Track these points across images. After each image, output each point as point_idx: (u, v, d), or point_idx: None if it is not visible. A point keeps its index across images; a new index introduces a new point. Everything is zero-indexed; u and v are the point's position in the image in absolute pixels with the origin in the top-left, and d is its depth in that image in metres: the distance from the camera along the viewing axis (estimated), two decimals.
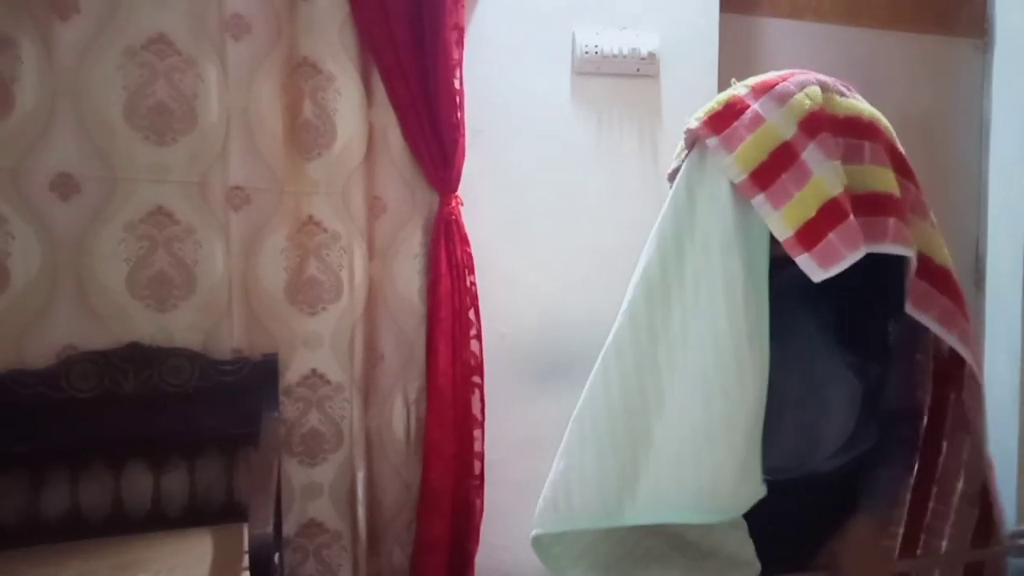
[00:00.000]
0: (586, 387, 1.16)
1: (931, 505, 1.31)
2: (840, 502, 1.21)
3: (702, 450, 1.04)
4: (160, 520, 1.81)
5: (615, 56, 2.15)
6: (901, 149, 1.13)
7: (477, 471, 2.06)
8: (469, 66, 1.99)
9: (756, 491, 1.05)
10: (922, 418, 1.29)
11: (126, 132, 1.77)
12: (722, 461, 1.04)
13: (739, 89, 1.09)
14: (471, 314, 2.04)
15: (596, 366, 1.15)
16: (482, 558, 2.09)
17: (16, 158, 1.70)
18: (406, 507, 2.06)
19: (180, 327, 1.84)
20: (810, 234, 1.00)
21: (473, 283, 2.04)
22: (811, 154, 1.01)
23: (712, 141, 1.07)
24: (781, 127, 1.03)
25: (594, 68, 2.16)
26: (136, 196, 1.79)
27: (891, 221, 1.03)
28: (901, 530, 1.33)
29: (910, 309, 1.08)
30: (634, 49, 2.16)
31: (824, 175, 1.00)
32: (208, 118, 1.83)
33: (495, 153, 2.10)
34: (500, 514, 2.11)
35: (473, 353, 2.05)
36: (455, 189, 2.01)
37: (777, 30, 2.45)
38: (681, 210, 1.10)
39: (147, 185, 1.80)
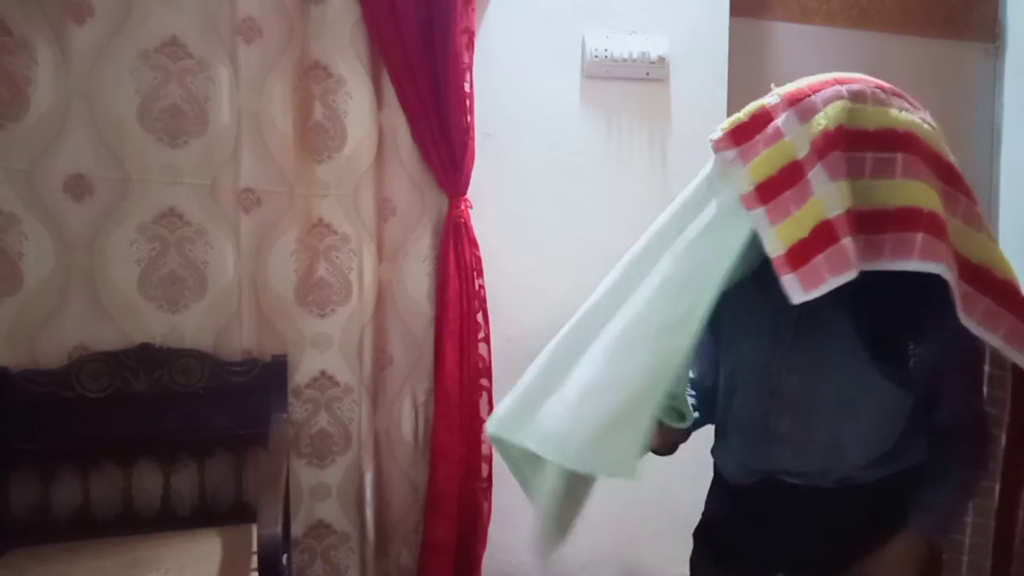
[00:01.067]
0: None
1: (1018, 532, 1.23)
2: (887, 516, 1.18)
3: (583, 402, 1.10)
4: (169, 519, 1.82)
5: (625, 60, 2.16)
6: (948, 158, 1.07)
7: (485, 473, 2.07)
8: (479, 69, 2.00)
9: (618, 464, 1.07)
10: (986, 434, 1.22)
11: (139, 134, 1.79)
12: (588, 418, 1.08)
13: (772, 98, 1.07)
14: (479, 317, 2.05)
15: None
16: (488, 560, 2.10)
17: (30, 159, 1.72)
18: (414, 509, 2.07)
19: (190, 328, 1.85)
20: (799, 254, 0.99)
21: (482, 286, 2.05)
22: (816, 174, 0.99)
23: (730, 154, 1.07)
24: (797, 145, 1.01)
25: (604, 72, 2.16)
26: (148, 198, 1.81)
27: (919, 236, 0.99)
28: (989, 561, 1.26)
29: (973, 326, 1.03)
30: (644, 53, 2.17)
31: (824, 196, 0.98)
32: (220, 120, 1.84)
33: (504, 156, 2.11)
34: (506, 516, 2.11)
35: (481, 356, 2.05)
36: (464, 192, 2.02)
37: (787, 34, 2.45)
38: (689, 199, 1.12)
39: (159, 187, 1.81)
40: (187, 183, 1.83)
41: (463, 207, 2.01)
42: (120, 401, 1.78)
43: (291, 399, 1.94)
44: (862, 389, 1.14)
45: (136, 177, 1.80)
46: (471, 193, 2.03)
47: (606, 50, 2.14)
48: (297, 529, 1.97)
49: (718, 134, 1.08)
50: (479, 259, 2.04)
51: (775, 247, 1.01)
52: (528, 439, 1.15)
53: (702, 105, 2.21)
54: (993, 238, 1.11)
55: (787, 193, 1.01)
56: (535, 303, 2.16)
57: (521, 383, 1.21)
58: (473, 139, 1.99)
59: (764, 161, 1.03)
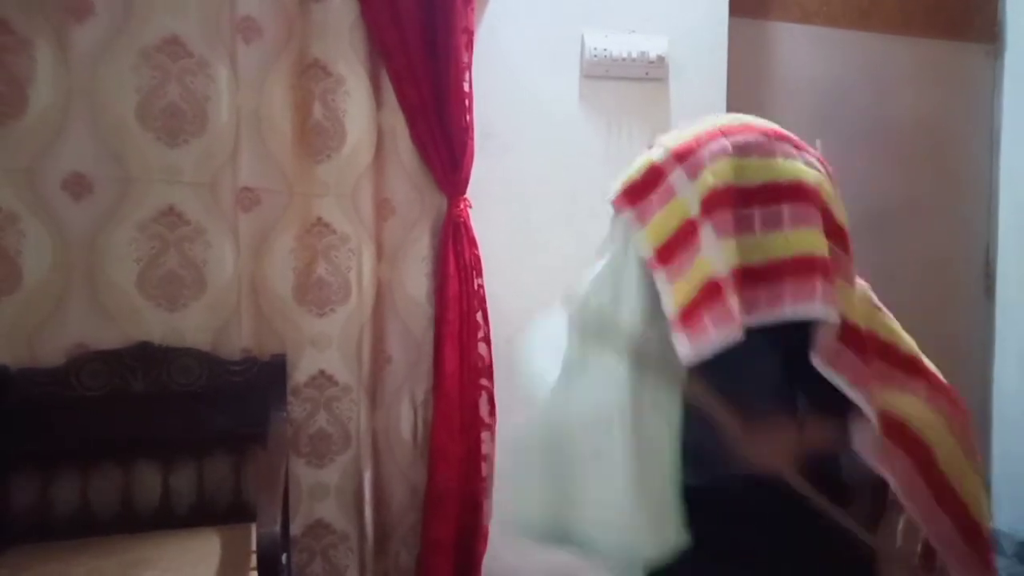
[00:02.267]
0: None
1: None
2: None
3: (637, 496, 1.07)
4: (168, 519, 1.82)
5: (624, 59, 2.16)
6: (833, 209, 1.08)
7: (484, 473, 2.06)
8: (478, 69, 2.00)
9: (673, 539, 1.06)
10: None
11: (139, 133, 1.79)
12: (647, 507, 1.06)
13: (659, 152, 1.10)
14: (479, 317, 2.05)
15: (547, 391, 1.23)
16: (489, 559, 2.09)
17: (30, 158, 1.72)
18: (412, 508, 2.07)
19: (190, 327, 1.85)
20: (690, 314, 1.01)
21: (481, 286, 2.05)
22: (705, 233, 1.02)
23: (627, 215, 1.10)
24: (688, 203, 1.04)
25: (603, 71, 2.16)
26: (148, 196, 1.81)
27: (818, 282, 1.00)
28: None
29: (820, 366, 1.04)
30: (643, 52, 2.17)
31: (709, 255, 1.01)
32: (219, 120, 1.84)
33: (504, 156, 2.11)
34: (506, 515, 2.11)
35: (481, 356, 2.05)
36: (463, 192, 2.02)
37: (787, 34, 2.44)
38: (607, 273, 1.17)
39: (159, 186, 1.81)
40: (186, 182, 1.83)
41: (462, 207, 2.01)
42: (119, 400, 1.78)
43: (290, 398, 1.94)
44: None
45: (136, 176, 1.80)
46: (470, 193, 2.03)
47: (605, 49, 2.14)
48: (296, 528, 1.97)
49: (613, 194, 1.12)
50: (478, 259, 2.04)
51: (670, 307, 1.04)
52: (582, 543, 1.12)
53: (701, 105, 2.20)
54: (851, 283, 1.12)
55: (683, 254, 1.04)
56: (534, 303, 2.15)
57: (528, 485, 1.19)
58: (472, 139, 1.99)
59: (661, 222, 1.06)
